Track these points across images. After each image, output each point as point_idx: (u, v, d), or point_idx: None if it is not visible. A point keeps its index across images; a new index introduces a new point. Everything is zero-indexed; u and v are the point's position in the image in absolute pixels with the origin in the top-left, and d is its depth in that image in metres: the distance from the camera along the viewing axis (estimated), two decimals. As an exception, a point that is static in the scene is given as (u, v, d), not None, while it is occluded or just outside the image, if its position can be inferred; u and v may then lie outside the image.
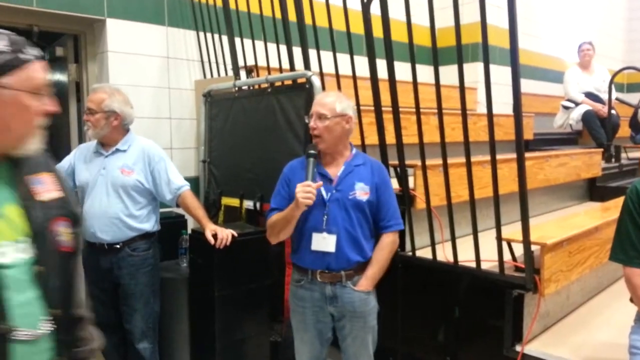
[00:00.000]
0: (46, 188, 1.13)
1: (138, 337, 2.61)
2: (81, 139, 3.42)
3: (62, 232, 1.12)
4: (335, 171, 2.11)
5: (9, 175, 1.08)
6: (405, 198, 2.44)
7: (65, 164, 2.68)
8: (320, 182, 2.02)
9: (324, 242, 2.04)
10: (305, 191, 1.93)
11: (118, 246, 2.54)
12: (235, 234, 2.55)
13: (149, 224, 2.63)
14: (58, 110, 1.11)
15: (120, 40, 3.27)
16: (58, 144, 3.59)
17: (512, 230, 2.21)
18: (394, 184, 2.45)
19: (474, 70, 4.52)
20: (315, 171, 2.04)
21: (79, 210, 1.21)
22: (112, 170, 2.55)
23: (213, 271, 2.60)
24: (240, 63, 3.29)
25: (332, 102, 2.08)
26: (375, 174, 2.13)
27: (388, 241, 2.12)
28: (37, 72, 1.06)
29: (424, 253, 2.43)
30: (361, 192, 2.08)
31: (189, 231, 2.98)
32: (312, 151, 2.05)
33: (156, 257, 2.69)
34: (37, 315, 1.05)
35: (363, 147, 2.61)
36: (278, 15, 2.85)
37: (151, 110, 3.37)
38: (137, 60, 3.34)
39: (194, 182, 3.56)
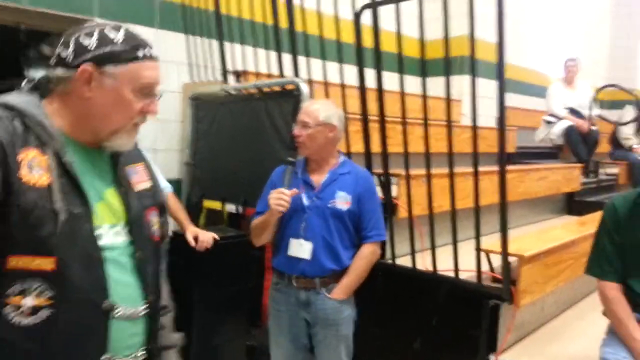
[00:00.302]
0: (141, 178, 1.19)
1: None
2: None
3: (154, 221, 1.18)
4: (319, 179, 2.13)
5: (109, 162, 1.13)
6: (388, 206, 2.47)
7: None
8: (295, 190, 2.03)
9: (300, 248, 2.06)
10: (277, 197, 1.96)
11: None
12: (217, 237, 2.55)
13: None
14: (157, 113, 1.13)
15: (109, 40, 3.26)
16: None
17: (491, 242, 2.25)
18: (378, 192, 2.49)
19: (460, 83, 4.59)
20: (291, 179, 2.06)
21: (164, 199, 1.26)
22: None
23: (193, 274, 2.59)
24: (230, 67, 3.30)
25: (316, 110, 2.10)
26: (359, 184, 2.13)
27: (367, 252, 2.12)
28: (147, 71, 1.07)
29: (404, 262, 2.46)
30: (342, 201, 2.08)
31: (170, 233, 2.97)
32: (290, 159, 2.09)
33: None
34: (136, 298, 1.09)
35: (348, 154, 2.64)
36: (269, 21, 2.88)
37: (138, 110, 3.37)
38: (125, 60, 3.33)
39: (176, 184, 3.55)
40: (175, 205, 2.66)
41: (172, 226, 3.30)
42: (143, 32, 3.46)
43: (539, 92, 5.77)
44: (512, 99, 5.57)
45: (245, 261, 2.73)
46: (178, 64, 3.58)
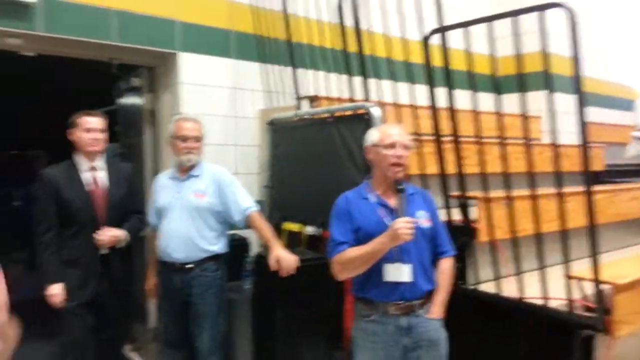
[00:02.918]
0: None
1: (205, 354, 2.71)
2: (156, 163, 3.63)
3: None
4: (393, 201, 2.12)
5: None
6: (467, 230, 2.41)
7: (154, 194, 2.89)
8: (416, 219, 2.04)
9: (397, 272, 2.02)
10: (408, 227, 1.92)
11: (190, 266, 2.68)
12: (298, 263, 2.57)
13: (218, 246, 2.76)
14: None
15: (191, 72, 3.48)
16: (134, 168, 3.83)
17: (582, 268, 2.13)
18: (455, 215, 2.43)
19: (538, 99, 4.39)
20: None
21: None
22: (186, 194, 2.70)
23: (275, 295, 2.66)
24: (303, 93, 3.39)
25: (404, 132, 2.15)
26: (428, 202, 2.19)
27: (447, 266, 2.15)
28: None
29: (487, 287, 2.38)
30: (423, 219, 2.09)
31: (253, 253, 3.07)
32: (401, 187, 2.05)
33: (224, 279, 2.81)
34: None
35: (423, 176, 2.61)
36: (339, 46, 2.94)
37: (218, 137, 3.53)
38: (206, 90, 3.53)
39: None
40: (261, 224, 2.75)
41: (255, 246, 3.43)
42: (222, 62, 3.65)
43: (628, 106, 5.40)
44: (599, 114, 5.25)
45: (325, 284, 2.75)
46: (253, 91, 3.73)
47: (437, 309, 2.07)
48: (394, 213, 2.08)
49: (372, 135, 2.17)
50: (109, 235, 2.65)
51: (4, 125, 8.31)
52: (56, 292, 2.59)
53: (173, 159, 2.87)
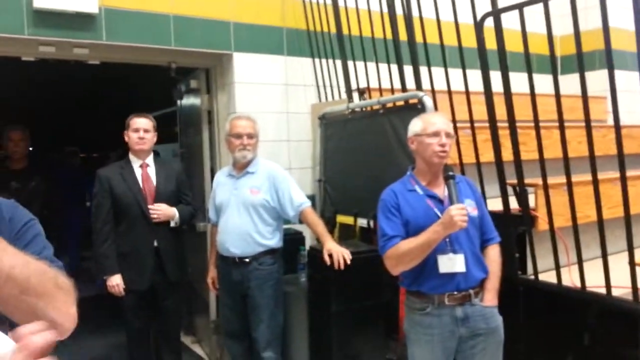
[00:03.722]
0: None
1: (263, 346, 2.80)
2: (213, 161, 3.77)
3: None
4: (440, 191, 2.10)
5: None
6: (526, 219, 2.33)
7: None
8: (473, 208, 2.05)
9: (450, 262, 2.01)
10: (463, 214, 1.90)
11: (247, 260, 2.78)
12: (349, 256, 2.59)
13: (274, 241, 2.83)
14: None
15: (245, 72, 3.57)
16: (193, 166, 3.99)
17: (648, 254, 2.01)
18: (512, 203, 2.36)
19: (602, 78, 4.14)
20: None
21: None
22: (242, 191, 2.80)
23: (330, 287, 2.70)
24: (353, 85, 3.39)
25: (448, 120, 2.14)
26: (472, 189, 2.17)
27: (496, 252, 2.15)
28: None
29: (547, 277, 2.29)
30: (471, 208, 2.06)
31: (307, 247, 3.12)
32: (451, 173, 2.04)
33: (280, 272, 2.89)
34: None
35: (478, 165, 2.55)
36: (389, 35, 2.91)
37: (272, 133, 3.61)
38: (260, 88, 3.62)
39: (311, 200, 3.71)
40: (314, 219, 2.81)
41: (308, 240, 3.49)
42: (274, 60, 3.72)
43: None
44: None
45: (379, 275, 2.76)
46: (305, 86, 3.78)
47: (490, 296, 2.06)
48: (442, 203, 2.06)
49: (415, 125, 2.15)
50: (161, 208, 2.84)
51: (84, 129, 8.93)
52: (118, 282, 2.79)
53: (230, 156, 2.98)
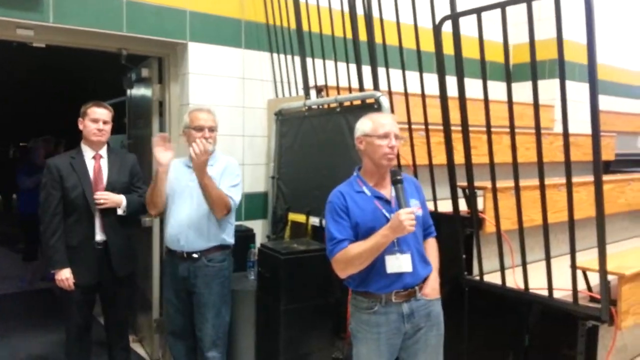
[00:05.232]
0: None
1: (208, 345, 2.73)
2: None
3: None
4: (387, 192, 2.09)
5: None
6: (474, 221, 2.38)
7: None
8: (418, 207, 2.05)
9: (398, 262, 2.00)
10: (411, 218, 1.88)
11: (196, 255, 2.69)
12: (209, 147, 2.53)
13: (227, 235, 2.76)
14: None
15: (200, 62, 3.48)
16: (142, 159, 3.84)
17: (589, 258, 2.09)
18: (462, 205, 2.41)
19: (551, 87, 4.33)
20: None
21: None
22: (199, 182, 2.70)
23: (279, 285, 2.66)
24: (311, 82, 3.37)
25: (396, 121, 2.12)
26: (416, 188, 2.20)
27: (433, 244, 2.23)
28: None
29: (492, 278, 2.35)
30: (416, 208, 2.04)
31: (258, 245, 3.07)
32: (399, 177, 2.00)
33: (230, 269, 2.82)
34: None
35: (431, 166, 2.58)
36: (349, 35, 2.91)
37: (227, 128, 3.53)
38: (215, 81, 3.53)
39: (263, 197, 3.67)
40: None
41: (259, 238, 3.43)
42: (231, 52, 3.64)
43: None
44: (612, 103, 5.16)
45: (329, 274, 2.75)
46: (263, 81, 3.73)
47: (432, 289, 2.10)
48: (389, 204, 2.06)
49: (364, 125, 2.10)
50: (108, 195, 2.73)
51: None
52: (67, 275, 2.66)
53: (188, 149, 2.86)
